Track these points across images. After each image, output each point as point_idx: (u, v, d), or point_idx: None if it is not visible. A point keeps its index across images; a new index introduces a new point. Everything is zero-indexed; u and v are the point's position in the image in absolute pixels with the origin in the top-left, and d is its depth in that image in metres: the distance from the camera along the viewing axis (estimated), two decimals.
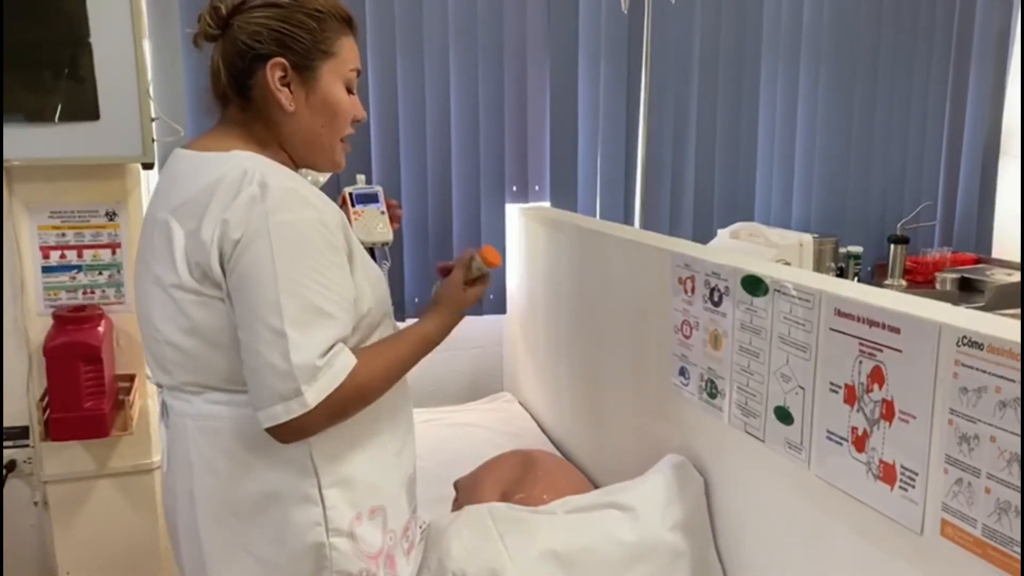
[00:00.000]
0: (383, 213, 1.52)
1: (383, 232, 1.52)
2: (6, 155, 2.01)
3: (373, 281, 1.26)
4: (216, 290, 1.15)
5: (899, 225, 3.26)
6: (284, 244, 1.11)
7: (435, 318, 1.35)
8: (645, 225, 2.94)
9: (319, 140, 1.28)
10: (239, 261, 1.11)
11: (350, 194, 1.53)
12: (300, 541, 1.19)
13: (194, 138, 1.28)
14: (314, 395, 1.10)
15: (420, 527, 1.51)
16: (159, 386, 1.28)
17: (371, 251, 1.55)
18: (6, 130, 1.99)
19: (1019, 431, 0.99)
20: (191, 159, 1.22)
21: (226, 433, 1.20)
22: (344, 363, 1.14)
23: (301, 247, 1.12)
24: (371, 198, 1.53)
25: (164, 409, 1.29)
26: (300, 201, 1.14)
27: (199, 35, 1.25)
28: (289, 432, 1.12)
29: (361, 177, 1.57)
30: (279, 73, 1.22)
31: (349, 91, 1.29)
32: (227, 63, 1.23)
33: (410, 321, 1.62)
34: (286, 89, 1.23)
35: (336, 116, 1.27)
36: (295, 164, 1.30)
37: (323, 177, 1.57)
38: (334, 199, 1.25)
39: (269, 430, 1.12)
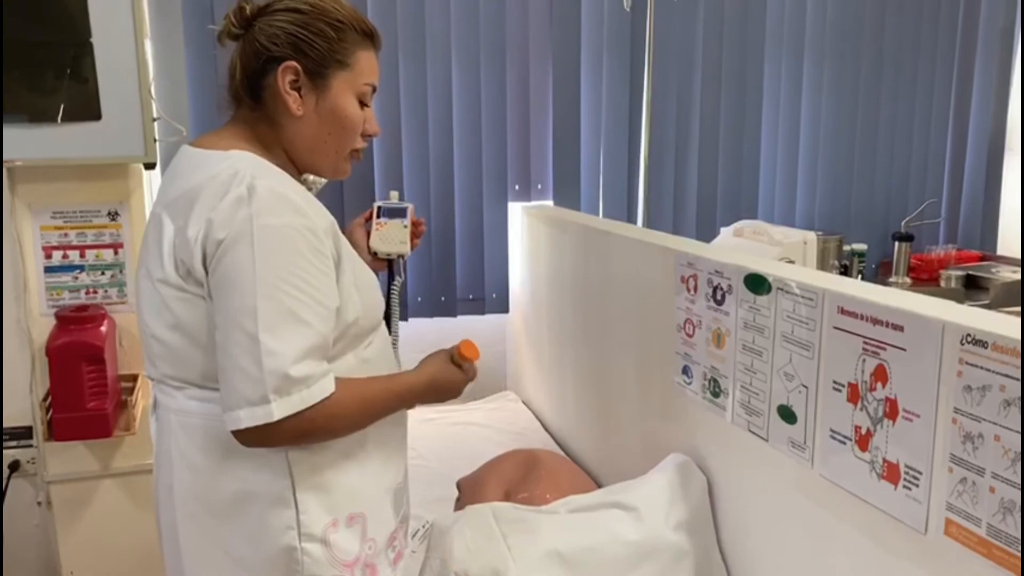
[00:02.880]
0: (406, 228, 1.55)
1: (401, 245, 1.55)
2: (9, 155, 2.01)
3: (363, 289, 1.25)
4: (198, 288, 1.15)
5: (903, 222, 3.24)
6: (266, 248, 1.10)
7: (423, 380, 1.33)
8: (648, 223, 2.93)
9: (323, 147, 1.28)
10: (221, 262, 1.11)
11: (378, 207, 1.57)
12: (273, 544, 1.18)
13: (203, 135, 1.29)
14: (281, 409, 1.09)
15: (416, 532, 1.50)
16: (151, 379, 1.28)
17: (389, 263, 1.57)
18: (9, 131, 1.99)
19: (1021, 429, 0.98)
20: (192, 156, 1.23)
21: (203, 430, 1.20)
22: (322, 388, 1.13)
23: (283, 252, 1.11)
24: (399, 213, 1.57)
25: (155, 403, 1.29)
26: (287, 205, 1.13)
27: (223, 33, 1.27)
28: (251, 438, 1.12)
29: (394, 193, 1.62)
30: (290, 77, 1.23)
31: (363, 104, 1.30)
32: (243, 62, 1.25)
33: (414, 321, 1.63)
34: (295, 93, 1.23)
35: (342, 127, 1.27)
36: (298, 168, 1.31)
37: (321, 180, 1.58)
38: (333, 203, 1.25)
39: (233, 433, 1.12)
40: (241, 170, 1.14)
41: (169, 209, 1.18)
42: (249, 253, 1.09)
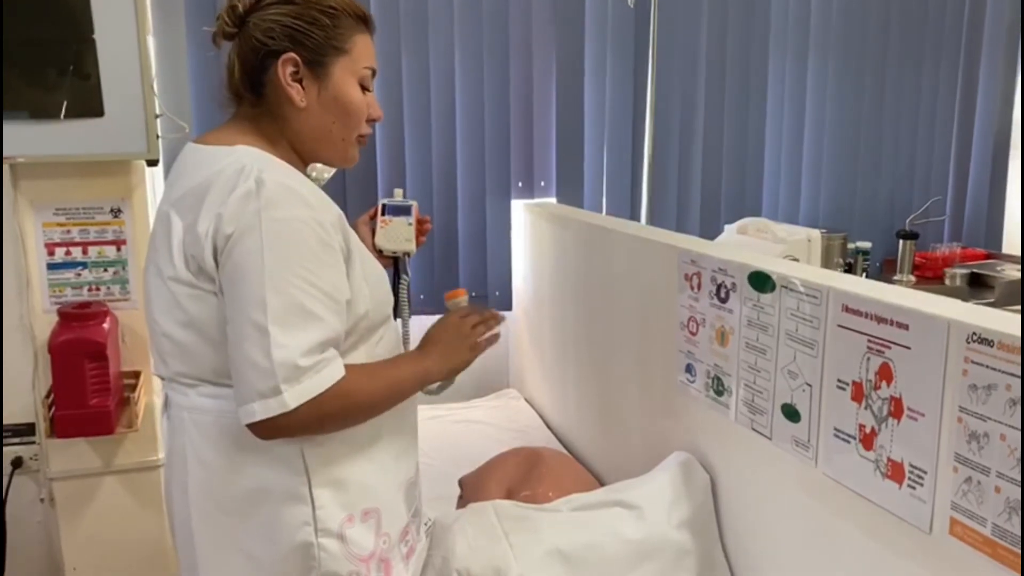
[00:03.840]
0: (410, 225, 1.56)
1: (406, 243, 1.55)
2: (12, 152, 2.01)
3: (373, 283, 1.26)
4: (210, 284, 1.15)
5: (908, 220, 3.23)
6: (275, 241, 1.10)
7: (421, 342, 1.36)
8: (651, 221, 2.92)
9: (329, 136, 1.28)
10: (230, 256, 1.11)
11: (383, 205, 1.58)
12: (288, 540, 1.18)
13: (206, 132, 1.29)
14: (295, 397, 1.09)
15: (425, 525, 1.50)
16: (161, 377, 1.28)
17: (395, 261, 1.57)
18: (11, 127, 1.99)
19: None
20: (197, 152, 1.23)
21: (217, 427, 1.20)
22: (332, 372, 1.13)
23: (292, 245, 1.11)
24: (403, 210, 1.58)
25: (166, 401, 1.30)
26: (295, 198, 1.14)
27: (217, 34, 1.27)
28: (266, 430, 1.12)
29: (399, 191, 1.63)
30: (291, 68, 1.22)
31: (364, 89, 1.30)
32: (242, 60, 1.24)
33: (416, 318, 1.64)
34: (297, 84, 1.23)
35: (348, 113, 1.27)
36: (303, 161, 1.31)
37: (328, 173, 1.58)
38: (336, 200, 1.25)
39: (248, 426, 1.12)
40: (248, 164, 1.15)
41: (177, 206, 1.18)
42: (258, 246, 1.10)
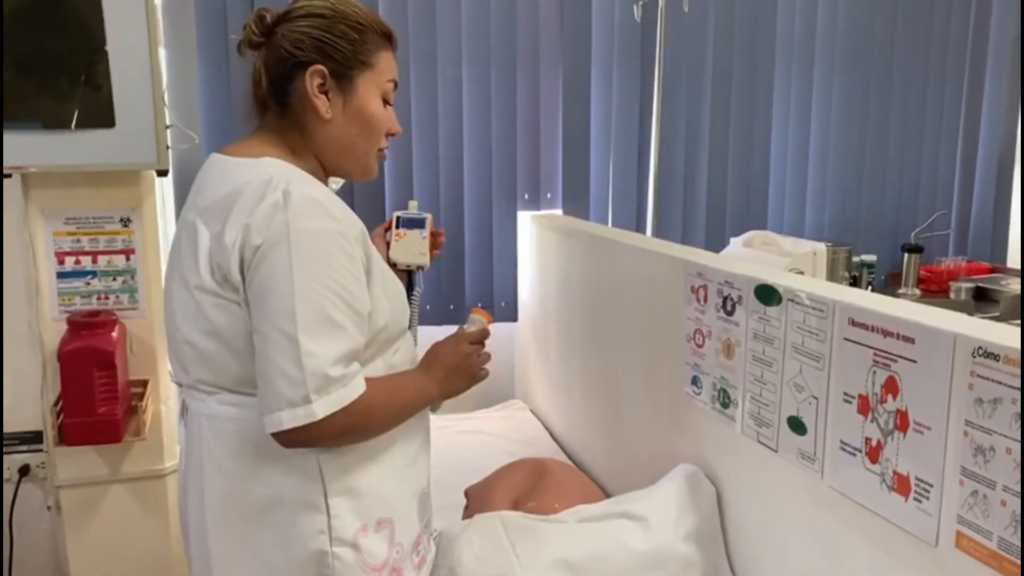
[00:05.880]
0: (424, 239, 1.56)
1: (420, 256, 1.55)
2: (23, 161, 2.02)
3: (391, 296, 1.27)
4: (234, 294, 1.16)
5: (913, 234, 3.24)
6: (302, 252, 1.12)
7: (437, 378, 1.37)
8: (657, 233, 2.93)
9: (352, 149, 1.30)
10: (259, 267, 1.13)
11: (397, 217, 1.57)
12: (303, 548, 1.20)
13: (217, 142, 1.31)
14: (323, 407, 1.11)
15: (433, 536, 1.51)
16: (179, 384, 1.30)
17: (409, 274, 1.57)
18: (23, 137, 2.01)
19: None
20: (223, 163, 1.25)
21: (236, 435, 1.21)
22: (356, 386, 1.16)
23: (319, 256, 1.13)
24: (417, 223, 1.57)
25: (184, 408, 1.31)
26: (321, 211, 1.15)
27: (243, 42, 1.28)
28: (291, 440, 1.13)
29: (413, 203, 1.62)
30: (318, 80, 1.24)
31: (386, 104, 1.32)
32: (268, 69, 1.26)
33: (422, 329, 1.65)
34: (323, 96, 1.25)
35: (370, 127, 1.30)
36: (326, 172, 1.32)
37: (335, 184, 1.59)
38: (364, 209, 1.27)
39: (273, 435, 1.13)
40: (275, 176, 1.16)
41: (203, 216, 1.20)
42: (286, 257, 1.11)
